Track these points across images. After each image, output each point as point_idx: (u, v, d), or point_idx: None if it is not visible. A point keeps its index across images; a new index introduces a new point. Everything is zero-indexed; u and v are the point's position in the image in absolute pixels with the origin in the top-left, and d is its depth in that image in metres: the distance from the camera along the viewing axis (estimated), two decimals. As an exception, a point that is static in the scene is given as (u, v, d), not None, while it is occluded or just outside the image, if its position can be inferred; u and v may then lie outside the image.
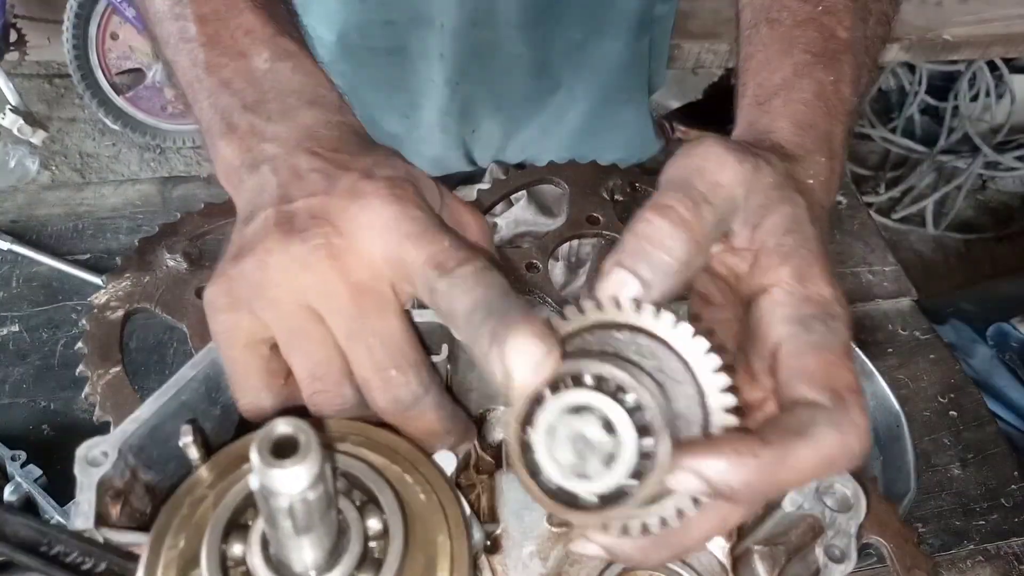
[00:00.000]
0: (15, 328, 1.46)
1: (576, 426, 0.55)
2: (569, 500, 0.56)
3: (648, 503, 0.59)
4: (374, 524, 0.57)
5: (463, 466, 0.77)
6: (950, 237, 4.28)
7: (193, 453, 0.61)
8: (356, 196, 0.66)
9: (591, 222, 1.12)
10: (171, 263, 1.01)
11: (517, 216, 1.53)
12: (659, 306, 0.59)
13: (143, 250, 1.03)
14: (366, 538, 0.56)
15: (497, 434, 0.81)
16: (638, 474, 0.55)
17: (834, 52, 0.79)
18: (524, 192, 1.46)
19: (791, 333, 0.61)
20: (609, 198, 1.14)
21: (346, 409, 0.66)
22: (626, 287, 0.61)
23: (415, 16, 1.48)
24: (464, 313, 0.60)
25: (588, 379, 0.56)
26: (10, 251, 1.53)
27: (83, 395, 0.92)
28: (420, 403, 0.66)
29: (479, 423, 0.82)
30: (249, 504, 0.57)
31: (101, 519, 0.60)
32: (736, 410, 0.59)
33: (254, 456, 0.45)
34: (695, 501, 0.59)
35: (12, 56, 3.58)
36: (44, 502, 1.21)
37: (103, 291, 0.99)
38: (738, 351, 0.68)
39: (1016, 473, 1.49)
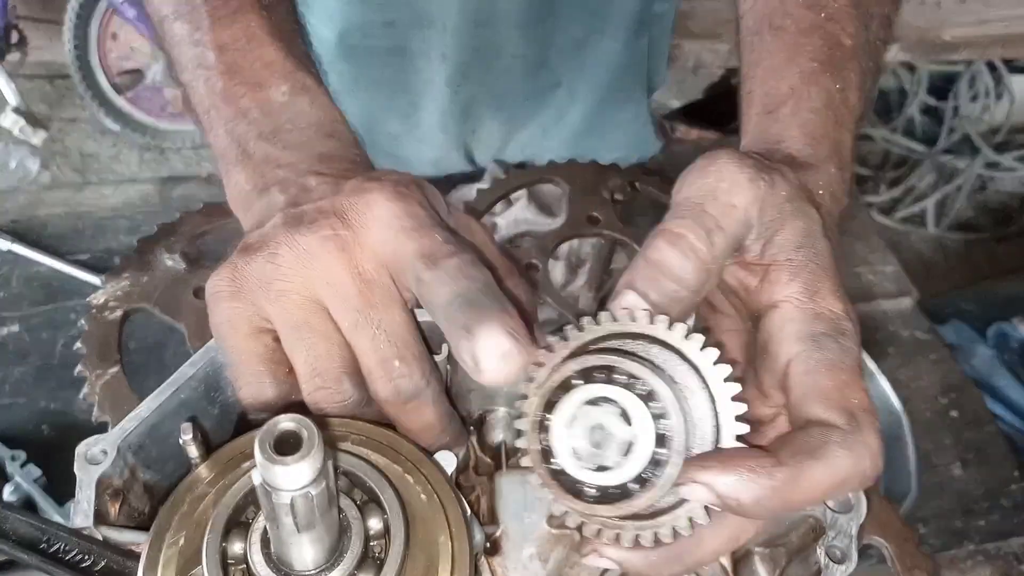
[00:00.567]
0: (15, 328, 1.46)
1: (598, 417, 0.56)
2: (573, 489, 0.57)
3: (654, 514, 0.60)
4: (375, 523, 0.57)
5: (462, 467, 0.77)
6: (950, 237, 4.28)
7: (193, 451, 0.61)
8: (362, 192, 0.68)
9: (591, 222, 1.12)
10: (170, 263, 1.01)
11: (517, 216, 1.53)
12: (690, 329, 0.60)
13: (142, 250, 1.03)
14: (367, 537, 0.56)
15: (497, 435, 0.81)
16: (643, 481, 0.55)
17: (840, 60, 0.80)
18: (524, 192, 1.46)
19: (802, 351, 0.61)
20: (609, 198, 1.14)
21: (346, 406, 0.66)
22: (637, 308, 0.62)
23: (416, 16, 1.48)
24: (443, 304, 0.61)
25: (622, 377, 0.56)
26: (10, 251, 1.53)
27: (81, 395, 0.92)
28: (421, 395, 0.66)
29: (479, 423, 0.82)
30: (250, 502, 0.57)
31: (100, 517, 0.60)
32: (747, 419, 0.59)
33: (257, 452, 0.45)
34: (707, 510, 0.59)
35: (13, 57, 3.58)
36: (44, 502, 1.21)
37: (102, 291, 0.99)
38: (748, 366, 0.68)
39: (1016, 473, 1.50)
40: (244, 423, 0.70)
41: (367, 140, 0.83)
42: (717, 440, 0.59)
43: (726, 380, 0.59)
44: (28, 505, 1.22)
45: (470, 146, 1.71)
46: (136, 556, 0.58)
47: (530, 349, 0.58)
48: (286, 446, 0.46)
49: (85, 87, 3.73)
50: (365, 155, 0.80)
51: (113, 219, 1.64)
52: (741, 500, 0.56)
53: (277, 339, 0.68)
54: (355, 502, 0.57)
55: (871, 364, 1.53)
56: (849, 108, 0.78)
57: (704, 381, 0.59)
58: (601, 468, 0.56)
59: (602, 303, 1.42)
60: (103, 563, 0.57)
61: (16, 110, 3.57)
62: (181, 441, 0.61)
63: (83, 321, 0.97)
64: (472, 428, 0.81)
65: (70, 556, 0.57)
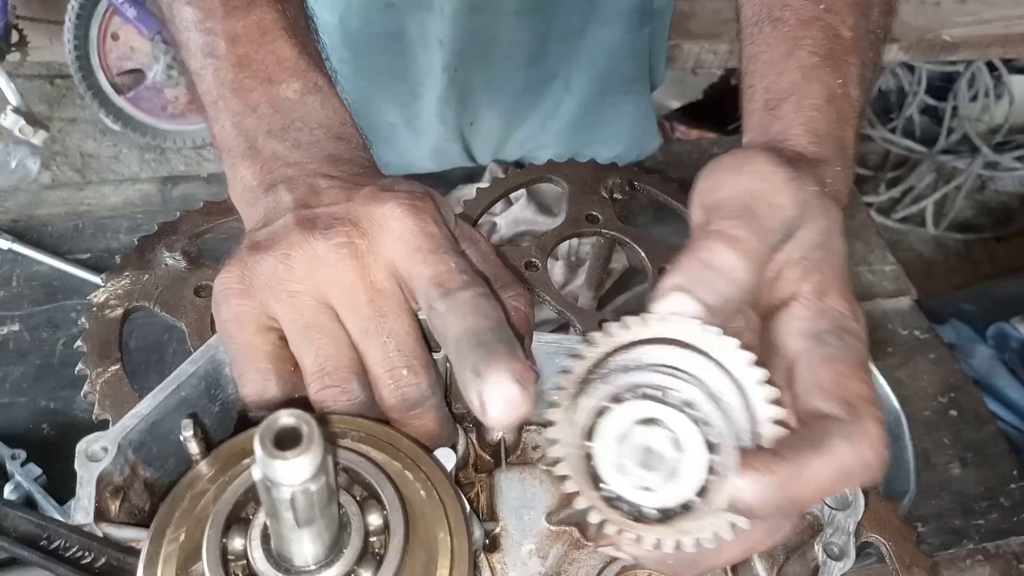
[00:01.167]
0: (15, 327, 1.46)
1: (643, 439, 0.56)
2: (631, 512, 0.57)
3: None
4: (375, 519, 0.57)
5: (462, 464, 0.78)
6: (950, 237, 4.28)
7: (193, 447, 0.62)
8: (378, 201, 0.68)
9: (590, 221, 1.12)
10: (170, 262, 1.01)
11: (516, 215, 1.54)
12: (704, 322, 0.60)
13: (142, 248, 1.03)
14: (367, 533, 0.56)
15: (496, 433, 0.81)
16: (703, 490, 0.55)
17: (840, 53, 0.79)
18: (523, 191, 1.46)
19: (806, 347, 0.62)
20: (608, 197, 1.14)
21: (352, 406, 0.67)
22: (686, 309, 0.61)
23: (415, 0, 1.48)
24: (455, 339, 0.62)
25: (654, 391, 0.56)
26: (11, 250, 1.54)
27: (82, 393, 0.92)
28: (425, 404, 0.67)
29: (478, 421, 0.82)
30: (250, 498, 0.57)
31: (101, 514, 0.61)
32: (780, 402, 0.59)
33: (257, 446, 0.46)
34: (732, 527, 0.58)
35: (14, 57, 3.58)
36: (44, 501, 1.21)
37: (102, 289, 0.99)
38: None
39: (1015, 472, 1.50)
40: (244, 420, 0.70)
41: (365, 129, 0.84)
42: (754, 428, 0.59)
43: (760, 383, 0.59)
44: (28, 504, 1.22)
45: (469, 139, 1.71)
46: (136, 552, 0.58)
47: (534, 396, 0.58)
48: (286, 441, 0.46)
49: (85, 87, 3.73)
50: (373, 159, 0.80)
51: (113, 219, 1.64)
52: (746, 501, 0.56)
53: (283, 338, 0.68)
54: (355, 498, 0.58)
55: (870, 364, 1.53)
56: (851, 103, 0.78)
57: (728, 372, 0.59)
58: (653, 489, 0.56)
59: (601, 303, 1.42)
60: (103, 560, 0.57)
61: (16, 110, 3.57)
62: (181, 438, 0.62)
63: (83, 319, 0.97)
64: (471, 426, 0.81)
65: (70, 553, 0.57)
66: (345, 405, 0.66)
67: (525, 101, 1.66)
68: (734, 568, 0.74)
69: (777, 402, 0.58)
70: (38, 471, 1.24)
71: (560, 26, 1.56)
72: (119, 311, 0.97)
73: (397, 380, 0.66)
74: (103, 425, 0.82)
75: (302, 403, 0.67)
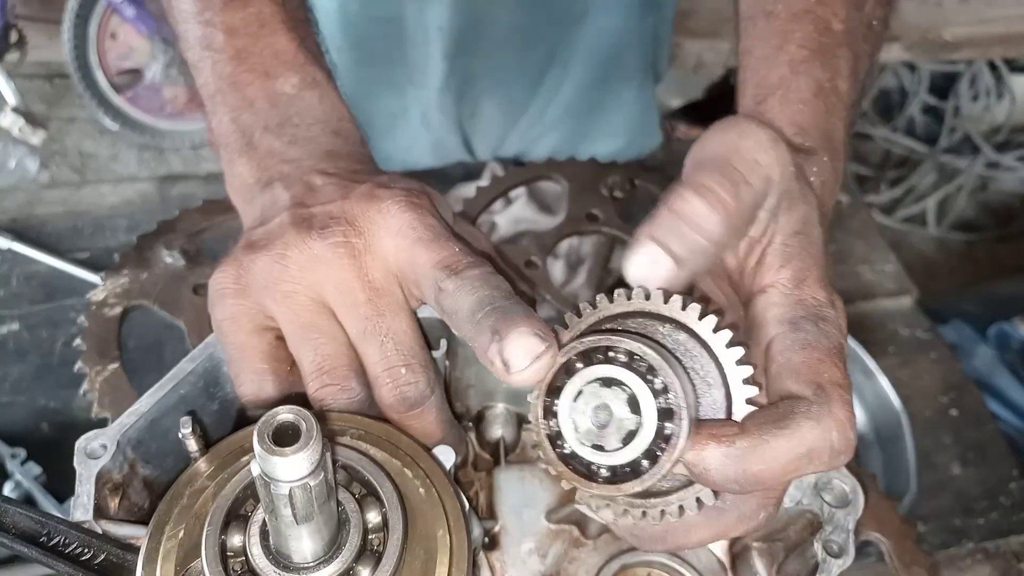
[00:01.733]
0: (14, 326, 1.46)
1: (602, 398, 0.56)
2: (582, 470, 0.57)
3: (648, 495, 0.60)
4: (373, 517, 0.57)
5: (461, 463, 0.78)
6: (951, 237, 4.29)
7: (192, 445, 0.62)
8: (375, 200, 0.68)
9: (590, 219, 1.12)
10: (169, 260, 1.01)
11: (516, 214, 1.53)
12: (686, 299, 0.60)
13: (141, 247, 1.03)
14: (365, 530, 0.56)
15: (495, 431, 0.81)
16: (653, 455, 0.55)
17: (830, 47, 0.79)
18: (523, 190, 1.46)
19: (781, 332, 0.62)
20: (608, 195, 1.14)
21: (352, 404, 0.66)
22: (657, 264, 0.61)
23: None
24: (468, 310, 0.61)
25: (621, 356, 0.57)
26: (10, 250, 1.53)
27: (81, 391, 0.92)
28: (425, 403, 0.67)
29: (478, 420, 0.82)
30: (249, 495, 0.57)
31: (100, 511, 0.61)
32: (755, 381, 0.60)
33: (256, 442, 0.46)
34: (698, 502, 0.60)
35: (12, 56, 3.58)
36: (44, 499, 1.22)
37: (101, 288, 0.99)
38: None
39: (1015, 472, 1.50)
40: (243, 418, 0.70)
41: (364, 120, 0.83)
42: (729, 405, 0.60)
43: (729, 346, 0.59)
44: (28, 502, 1.22)
45: (468, 131, 1.70)
46: (136, 549, 0.58)
47: (556, 348, 0.58)
48: (285, 437, 0.46)
49: (84, 86, 3.73)
50: (371, 154, 0.80)
51: (112, 218, 1.64)
52: (705, 466, 0.56)
53: (279, 337, 0.68)
54: (354, 495, 0.58)
55: (871, 363, 1.54)
56: (840, 96, 0.78)
57: (709, 349, 0.60)
58: (607, 449, 0.57)
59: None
60: (103, 556, 0.57)
61: (15, 109, 3.57)
62: (180, 435, 0.61)
63: (83, 318, 0.97)
64: (471, 424, 0.81)
65: (70, 549, 0.57)
66: (344, 403, 0.66)
67: (524, 88, 1.66)
68: (734, 567, 0.74)
69: (753, 381, 0.59)
70: (38, 469, 1.24)
71: (560, 12, 1.56)
72: (118, 309, 0.97)
73: (396, 379, 0.66)
74: (102, 423, 0.83)
75: (301, 401, 0.67)
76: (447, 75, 1.59)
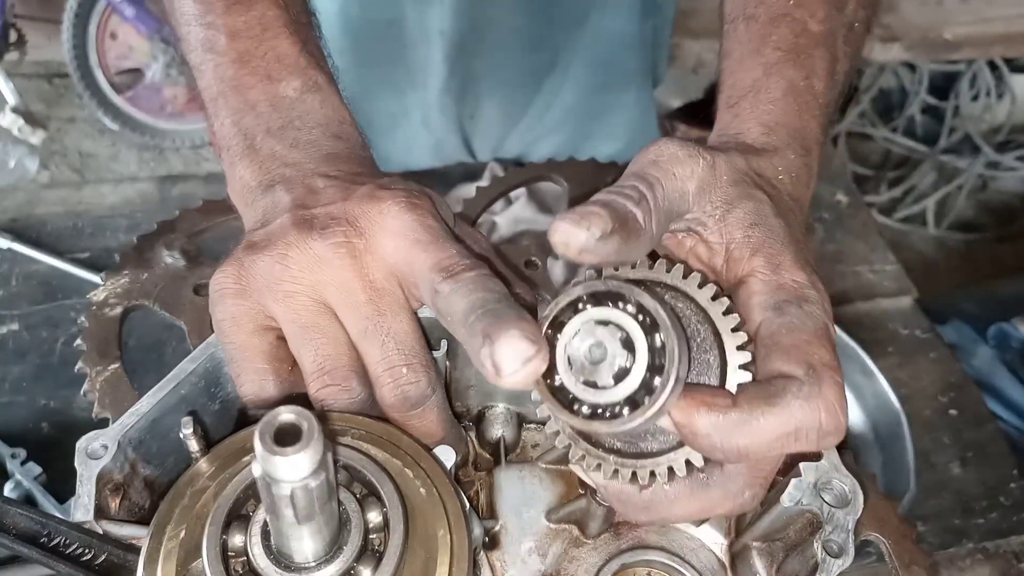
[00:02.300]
0: (14, 326, 1.46)
1: (599, 337, 0.57)
2: (566, 403, 0.58)
3: (638, 455, 0.62)
4: (374, 517, 0.57)
5: (461, 463, 0.78)
6: (951, 237, 4.29)
7: (193, 445, 0.62)
8: (375, 201, 0.68)
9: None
10: (169, 260, 1.01)
11: (516, 214, 1.53)
12: (687, 268, 0.63)
13: (141, 247, 1.03)
14: (366, 530, 0.56)
15: (496, 431, 0.81)
16: (635, 404, 0.56)
17: (805, 47, 0.80)
18: (524, 190, 1.46)
19: (767, 318, 0.63)
20: (609, 195, 1.14)
21: (353, 404, 0.67)
22: (574, 237, 0.61)
23: None
24: (462, 313, 0.62)
25: (630, 307, 0.57)
26: (9, 250, 1.53)
27: (82, 392, 0.92)
28: (426, 403, 0.67)
29: (478, 419, 0.82)
30: (250, 495, 0.57)
31: (101, 511, 0.61)
32: (749, 369, 0.61)
33: (257, 443, 0.46)
34: (687, 463, 0.61)
35: (12, 56, 3.58)
36: (44, 499, 1.21)
37: (101, 288, 0.99)
38: None
39: (1015, 472, 1.50)
40: (244, 419, 0.70)
41: (365, 121, 0.84)
42: (723, 371, 0.61)
43: (725, 313, 0.61)
44: (28, 502, 1.22)
45: (468, 133, 1.71)
46: (137, 550, 0.58)
47: (547, 352, 0.58)
48: (286, 437, 0.46)
49: (84, 86, 3.73)
50: (372, 157, 0.80)
51: (112, 218, 1.64)
52: (693, 429, 0.58)
53: (280, 337, 0.68)
54: (355, 495, 0.58)
55: (870, 363, 1.54)
56: (815, 95, 0.79)
57: (707, 316, 0.62)
58: (596, 386, 0.57)
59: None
60: (104, 557, 0.57)
61: (15, 109, 3.57)
62: (181, 435, 0.62)
63: (83, 318, 0.97)
64: (471, 424, 0.81)
65: (71, 550, 0.57)
66: (346, 403, 0.66)
67: (525, 91, 1.67)
68: (734, 566, 0.74)
69: (748, 348, 0.61)
70: (38, 470, 1.24)
71: (562, 14, 1.56)
72: (118, 310, 0.96)
73: (397, 379, 0.66)
74: (103, 423, 0.82)
75: (302, 401, 0.67)
76: (448, 77, 1.59)
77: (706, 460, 0.62)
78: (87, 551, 0.57)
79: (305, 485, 0.47)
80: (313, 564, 0.54)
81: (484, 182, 1.51)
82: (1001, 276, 3.61)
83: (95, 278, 1.42)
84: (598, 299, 0.58)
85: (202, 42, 0.81)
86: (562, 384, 0.58)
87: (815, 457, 0.66)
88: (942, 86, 4.31)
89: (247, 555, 0.55)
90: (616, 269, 0.64)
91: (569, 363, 0.58)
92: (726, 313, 0.62)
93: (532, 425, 0.83)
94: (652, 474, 0.62)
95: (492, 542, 0.73)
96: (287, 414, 0.46)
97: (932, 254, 4.23)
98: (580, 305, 0.59)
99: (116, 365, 0.93)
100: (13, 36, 3.56)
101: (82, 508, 0.60)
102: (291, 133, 0.77)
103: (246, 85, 0.78)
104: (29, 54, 3.67)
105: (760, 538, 0.71)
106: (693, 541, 0.75)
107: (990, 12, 3.65)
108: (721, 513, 0.66)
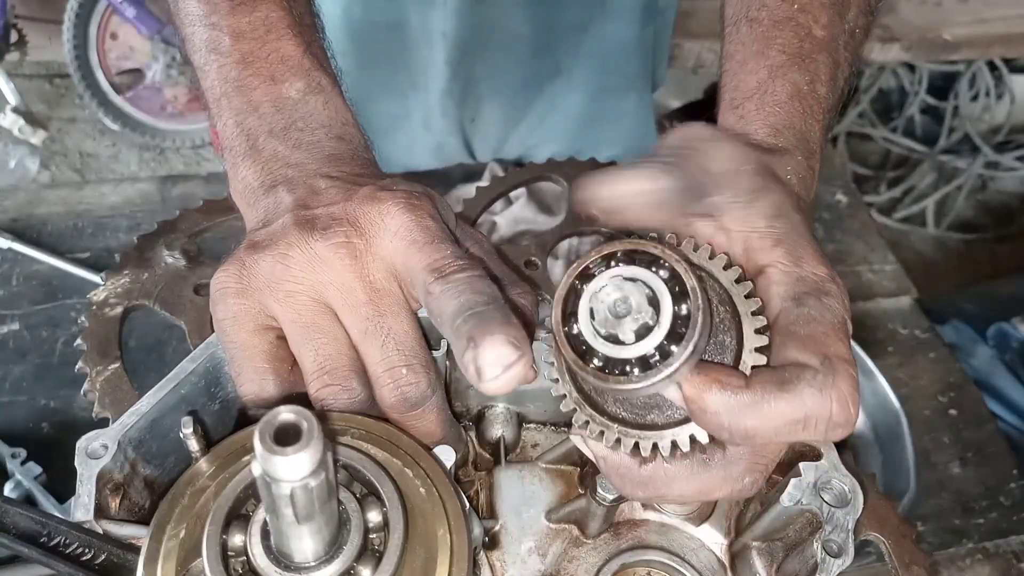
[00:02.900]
0: (15, 326, 1.46)
1: (627, 291, 0.57)
2: (580, 351, 0.58)
3: (642, 426, 0.62)
4: (374, 516, 0.57)
5: (461, 463, 0.78)
6: (950, 237, 4.29)
7: (193, 444, 0.62)
8: (376, 201, 0.69)
9: (590, 220, 1.12)
10: (170, 260, 1.01)
11: (516, 214, 1.53)
12: (712, 250, 0.64)
13: (142, 247, 1.03)
14: (366, 530, 0.56)
15: (495, 431, 0.82)
16: (647, 366, 0.56)
17: (810, 52, 0.80)
18: (524, 190, 1.46)
19: (786, 308, 0.63)
20: (608, 195, 1.14)
21: (353, 404, 0.67)
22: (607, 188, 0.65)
23: None
24: (450, 316, 0.62)
25: (663, 271, 0.58)
26: (10, 250, 1.54)
27: (82, 391, 0.92)
28: (426, 403, 0.67)
29: (478, 419, 0.82)
30: (250, 495, 0.57)
31: (101, 511, 0.61)
32: (765, 353, 0.61)
33: (256, 442, 0.46)
34: (692, 439, 0.61)
35: (12, 56, 3.58)
36: (44, 499, 1.22)
37: (102, 288, 0.99)
38: None
39: (1015, 472, 1.50)
40: (244, 418, 0.70)
41: (366, 122, 0.84)
42: (739, 351, 0.61)
43: (754, 314, 0.61)
44: (29, 502, 1.22)
45: (469, 135, 1.71)
46: (137, 549, 0.58)
47: (530, 358, 0.59)
48: (286, 437, 0.46)
49: (84, 86, 3.73)
50: (374, 159, 0.80)
51: (112, 218, 1.64)
52: (703, 405, 0.58)
53: (281, 336, 0.68)
54: (354, 495, 0.58)
55: (870, 363, 1.54)
56: (818, 99, 0.79)
57: (729, 296, 0.62)
58: (615, 341, 0.57)
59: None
60: (104, 556, 0.58)
61: (15, 110, 3.58)
62: (181, 435, 0.62)
63: (83, 318, 0.97)
64: (471, 424, 0.81)
65: (71, 550, 0.57)
66: (346, 403, 0.66)
67: (527, 96, 1.67)
68: (734, 566, 0.74)
69: (765, 331, 0.61)
70: (38, 469, 1.24)
71: (564, 20, 1.56)
72: (119, 309, 0.97)
73: (397, 379, 0.66)
74: (103, 423, 0.83)
75: (302, 400, 0.67)
76: (449, 80, 1.59)
77: (710, 440, 0.61)
78: (87, 551, 0.57)
79: (305, 485, 0.47)
80: (313, 564, 0.54)
81: (484, 182, 1.51)
82: (1001, 276, 3.61)
83: (95, 278, 1.43)
84: (632, 258, 0.59)
85: (206, 43, 0.81)
86: (580, 332, 0.58)
87: (815, 457, 0.66)
88: (941, 86, 4.31)
89: (247, 555, 0.55)
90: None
91: (592, 315, 0.58)
92: (748, 296, 0.62)
93: (532, 425, 0.83)
94: (654, 447, 0.62)
95: (492, 542, 0.73)
96: (287, 414, 0.46)
97: (932, 254, 4.23)
98: (613, 261, 0.59)
99: (116, 365, 0.93)
100: (14, 36, 3.57)
101: (82, 508, 0.60)
102: (294, 134, 0.77)
103: (249, 86, 0.78)
104: (30, 54, 3.68)
105: (760, 538, 0.71)
106: (693, 541, 0.75)
107: (989, 13, 3.66)
108: (719, 497, 0.66)
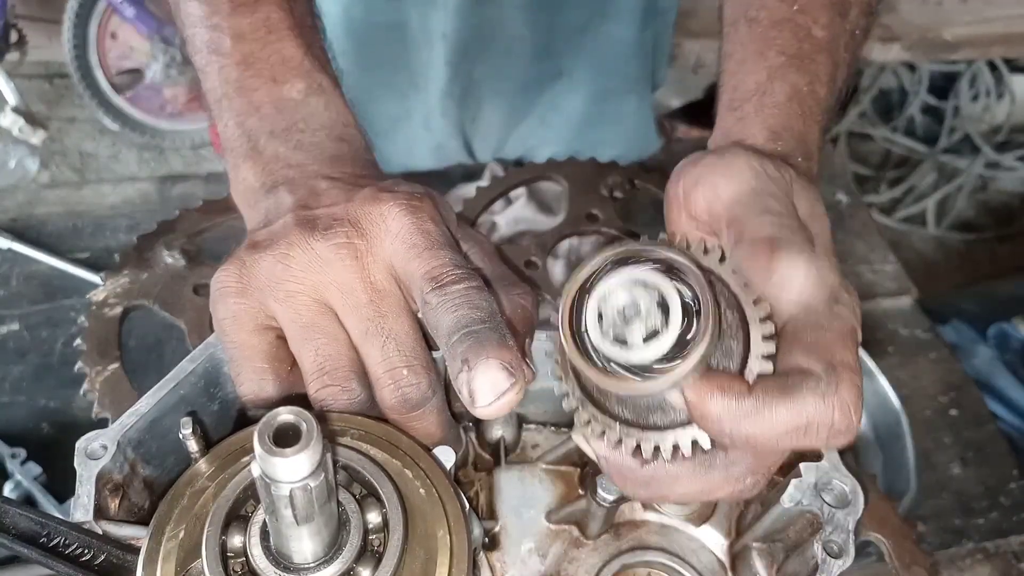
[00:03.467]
0: (15, 326, 1.46)
1: (638, 295, 0.57)
2: (586, 351, 0.58)
3: (645, 427, 0.62)
4: (374, 517, 0.57)
5: (461, 463, 0.78)
6: (951, 237, 4.29)
7: (193, 445, 0.62)
8: (377, 202, 0.68)
9: (590, 219, 1.12)
10: (169, 260, 1.01)
11: (517, 214, 1.53)
12: (723, 252, 0.63)
13: (141, 247, 1.03)
14: (366, 531, 0.56)
15: (496, 431, 0.81)
16: (650, 369, 0.56)
17: (809, 53, 0.80)
18: (524, 190, 1.46)
19: (794, 315, 0.63)
20: (608, 195, 1.14)
21: (352, 404, 0.67)
22: None
23: None
24: (446, 331, 0.63)
25: (674, 278, 0.57)
26: (10, 249, 1.53)
27: (81, 391, 0.92)
28: (426, 404, 0.67)
29: (477, 420, 0.82)
30: (249, 496, 0.57)
31: (100, 512, 0.61)
32: (772, 359, 0.61)
33: (256, 443, 0.46)
34: (694, 443, 0.61)
35: (12, 56, 3.58)
36: (44, 499, 1.21)
37: (101, 288, 0.99)
38: None
39: (1015, 472, 1.50)
40: (243, 419, 0.70)
41: (366, 123, 0.84)
42: (745, 357, 0.61)
43: (762, 320, 0.61)
44: (28, 503, 1.22)
45: (470, 136, 1.71)
46: (136, 550, 0.58)
47: (523, 384, 0.59)
48: (285, 438, 0.46)
49: (84, 86, 3.73)
50: (375, 160, 0.80)
51: (112, 218, 1.64)
52: (705, 411, 0.58)
53: (280, 336, 0.68)
54: (354, 496, 0.58)
55: (871, 363, 1.54)
56: (817, 101, 0.79)
57: (743, 315, 0.61)
58: (621, 342, 0.57)
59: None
60: (103, 557, 0.57)
61: (15, 109, 3.57)
62: (181, 436, 0.61)
63: (83, 318, 0.97)
64: (471, 424, 0.81)
65: (70, 550, 0.57)
66: (345, 404, 0.66)
67: (528, 97, 1.67)
68: (734, 567, 0.74)
69: (771, 339, 0.61)
70: (38, 470, 1.24)
71: (565, 22, 1.56)
72: (118, 309, 0.97)
73: (397, 380, 0.66)
74: (102, 423, 0.83)
75: (301, 401, 0.67)
76: (449, 81, 1.59)
77: (712, 443, 0.61)
78: (87, 551, 0.57)
79: (304, 486, 0.47)
80: (312, 565, 0.54)
81: (484, 182, 1.51)
82: (1001, 276, 3.61)
83: (95, 278, 1.42)
84: (642, 261, 0.58)
85: (207, 44, 0.81)
86: (586, 332, 0.58)
87: (816, 458, 0.66)
88: (942, 86, 4.31)
89: (246, 556, 0.55)
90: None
91: (599, 316, 0.58)
92: (756, 302, 0.61)
93: (532, 426, 0.83)
94: (656, 448, 0.61)
95: (492, 543, 0.73)
96: (286, 414, 0.46)
97: (932, 254, 4.23)
98: (623, 263, 0.58)
99: (116, 365, 0.93)
100: (14, 36, 3.56)
101: (82, 508, 0.60)
102: (295, 135, 0.77)
103: (250, 87, 0.79)
104: (30, 54, 3.67)
105: (760, 539, 0.71)
106: (693, 542, 0.75)
107: (990, 12, 3.66)
108: (721, 497, 0.66)
